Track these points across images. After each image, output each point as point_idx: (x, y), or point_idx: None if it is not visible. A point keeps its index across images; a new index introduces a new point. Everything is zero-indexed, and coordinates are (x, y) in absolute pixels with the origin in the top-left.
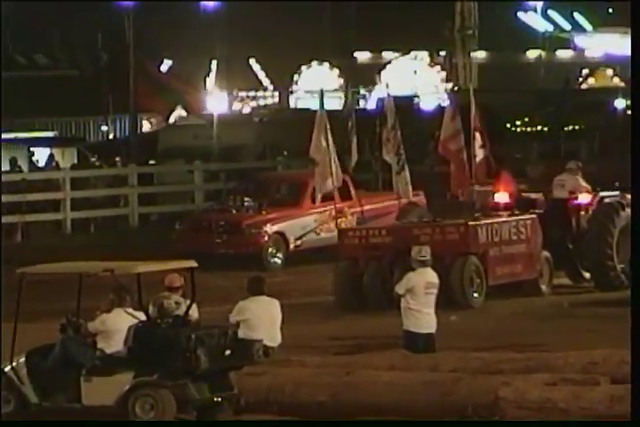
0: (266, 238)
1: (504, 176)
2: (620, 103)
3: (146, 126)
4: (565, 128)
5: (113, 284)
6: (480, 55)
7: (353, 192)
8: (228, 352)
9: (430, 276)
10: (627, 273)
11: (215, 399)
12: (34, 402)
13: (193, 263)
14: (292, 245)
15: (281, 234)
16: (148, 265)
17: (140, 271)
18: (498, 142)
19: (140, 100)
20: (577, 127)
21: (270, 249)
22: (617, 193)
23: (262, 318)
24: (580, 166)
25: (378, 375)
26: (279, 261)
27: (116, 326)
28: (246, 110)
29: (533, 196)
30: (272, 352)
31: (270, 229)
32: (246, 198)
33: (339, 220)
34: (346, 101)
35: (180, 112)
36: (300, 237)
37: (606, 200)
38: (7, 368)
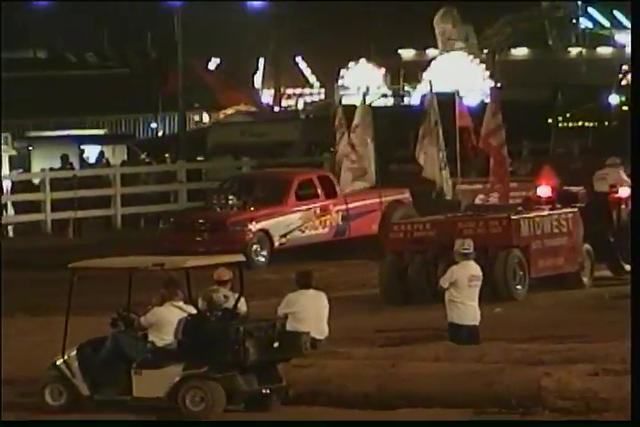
0: (250, 236)
1: (546, 170)
2: None
3: (194, 123)
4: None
5: (163, 278)
6: (522, 52)
7: (338, 190)
8: (276, 344)
9: (473, 269)
10: None
11: (263, 391)
12: (85, 395)
13: (241, 257)
14: (276, 243)
15: (265, 232)
16: (197, 260)
17: (189, 266)
18: (540, 137)
19: (188, 98)
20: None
21: (255, 247)
22: None
23: (310, 311)
24: (620, 162)
25: (423, 367)
26: (263, 259)
27: (167, 320)
28: (293, 107)
29: (575, 189)
30: (319, 344)
31: (254, 226)
32: (230, 197)
33: (323, 218)
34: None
35: (228, 110)
36: (284, 235)
37: None
38: (59, 362)
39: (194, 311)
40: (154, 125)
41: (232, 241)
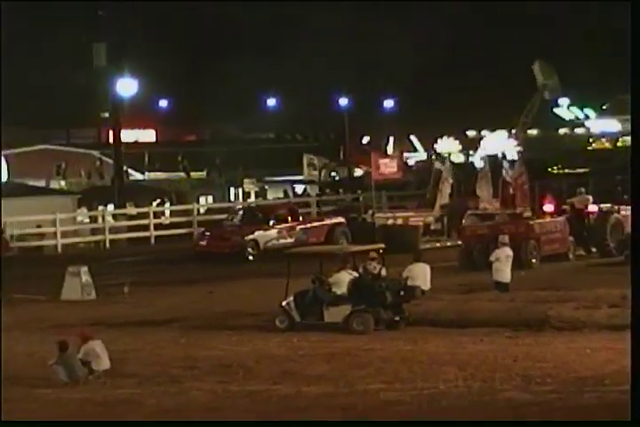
0: (245, 243)
1: (548, 197)
2: (609, 158)
3: (357, 173)
4: (580, 170)
5: (340, 257)
6: (534, 132)
7: (300, 217)
8: (402, 293)
9: (508, 251)
10: (616, 249)
11: (395, 319)
12: (297, 321)
13: (382, 246)
14: (262, 247)
15: (255, 240)
16: (359, 247)
17: (354, 250)
18: (544, 179)
19: (353, 159)
20: (583, 171)
21: (249, 249)
22: (609, 205)
23: (419, 274)
24: (585, 191)
25: (482, 304)
26: (252, 257)
27: (342, 280)
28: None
29: (564, 207)
30: (425, 292)
31: (248, 237)
32: (235, 220)
33: (290, 233)
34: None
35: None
36: (266, 242)
37: (603, 209)
38: (284, 303)
39: (356, 275)
40: (334, 174)
41: (237, 245)
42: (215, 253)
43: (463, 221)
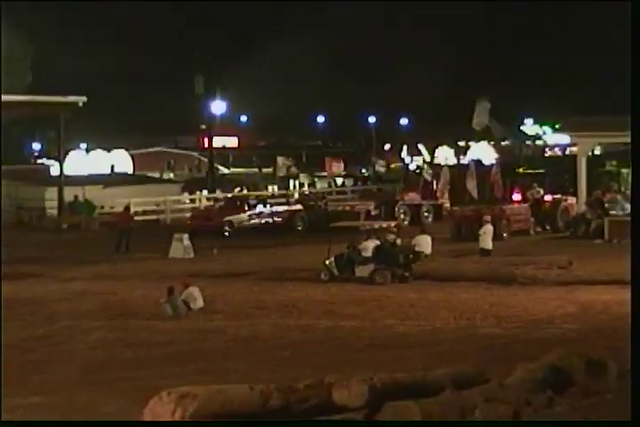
0: (223, 223)
1: (517, 189)
2: (560, 162)
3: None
4: (539, 170)
5: (366, 230)
6: (505, 143)
7: (267, 205)
8: (411, 256)
9: (490, 227)
10: (564, 227)
11: (405, 275)
12: (336, 275)
13: (396, 222)
14: (236, 226)
15: (230, 222)
16: (380, 223)
17: (377, 227)
18: (513, 177)
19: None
20: (541, 171)
21: (226, 227)
22: (559, 195)
23: (423, 243)
24: (536, 186)
25: (469, 265)
26: (228, 234)
27: (368, 246)
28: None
29: (527, 196)
30: (427, 256)
31: (226, 219)
32: (219, 205)
33: (259, 216)
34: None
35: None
36: (240, 223)
37: (555, 198)
38: (327, 262)
39: (378, 243)
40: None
41: (217, 224)
42: (201, 230)
43: (396, 209)
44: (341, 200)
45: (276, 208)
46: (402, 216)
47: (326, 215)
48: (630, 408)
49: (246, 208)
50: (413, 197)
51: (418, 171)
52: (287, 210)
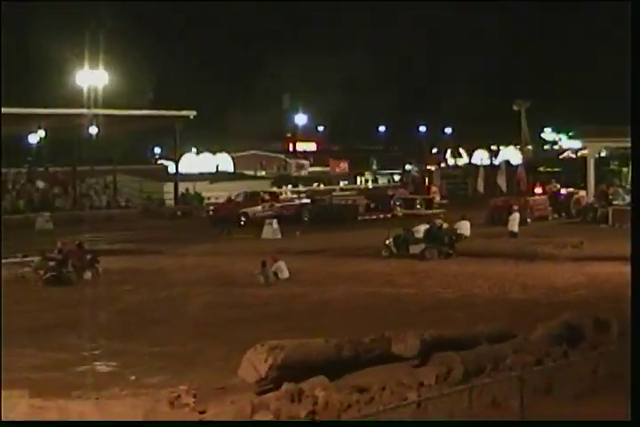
0: (240, 214)
1: (538, 184)
2: (573, 163)
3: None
4: (555, 169)
5: (421, 217)
6: (529, 148)
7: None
8: (454, 237)
9: (517, 215)
10: (576, 214)
11: (449, 252)
12: (394, 252)
13: (443, 210)
14: (251, 217)
15: (245, 213)
16: (426, 211)
17: (423, 214)
18: (535, 174)
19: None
20: (557, 170)
21: (242, 217)
22: (572, 189)
23: (464, 227)
24: (554, 181)
25: (499, 244)
26: (243, 223)
27: (420, 229)
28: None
29: (546, 190)
30: (467, 237)
31: (242, 211)
32: (238, 200)
33: (271, 208)
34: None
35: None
36: (254, 214)
37: (569, 192)
38: (387, 241)
39: (429, 226)
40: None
41: (235, 216)
42: (220, 220)
43: (391, 202)
44: (345, 196)
45: (285, 202)
46: (397, 209)
47: (330, 208)
48: (630, 408)
49: (260, 203)
50: (402, 192)
51: (417, 172)
52: (295, 204)
